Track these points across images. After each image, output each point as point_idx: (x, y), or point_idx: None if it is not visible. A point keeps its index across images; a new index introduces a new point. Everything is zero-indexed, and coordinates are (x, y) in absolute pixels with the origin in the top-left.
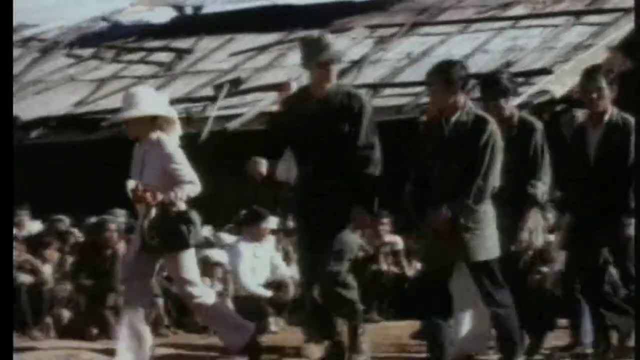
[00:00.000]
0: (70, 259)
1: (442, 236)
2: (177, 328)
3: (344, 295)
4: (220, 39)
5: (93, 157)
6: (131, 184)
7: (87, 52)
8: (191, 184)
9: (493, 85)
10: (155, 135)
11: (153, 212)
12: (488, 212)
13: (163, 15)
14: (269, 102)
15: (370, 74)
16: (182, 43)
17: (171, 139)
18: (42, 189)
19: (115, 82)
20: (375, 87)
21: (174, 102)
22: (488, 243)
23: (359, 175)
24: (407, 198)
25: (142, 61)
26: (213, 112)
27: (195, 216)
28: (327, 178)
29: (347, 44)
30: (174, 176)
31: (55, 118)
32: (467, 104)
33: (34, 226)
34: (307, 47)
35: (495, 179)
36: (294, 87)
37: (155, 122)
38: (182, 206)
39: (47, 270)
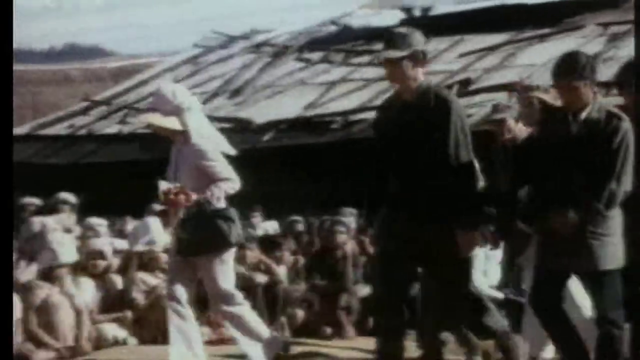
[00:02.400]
0: (303, 260)
1: (562, 242)
2: None
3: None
4: (449, 39)
5: (323, 159)
6: (163, 185)
7: (317, 55)
8: (229, 181)
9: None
10: (186, 135)
11: (182, 212)
12: (617, 217)
13: (391, 17)
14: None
15: (603, 73)
16: None
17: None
18: (275, 191)
19: (345, 85)
20: (608, 86)
21: None
22: (615, 251)
23: (453, 190)
24: (509, 200)
25: (370, 64)
26: None
27: (234, 213)
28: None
29: (578, 42)
30: (209, 174)
31: (286, 121)
32: (597, 99)
33: (270, 226)
34: (386, 42)
35: (628, 183)
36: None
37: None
38: (220, 204)
39: (281, 271)
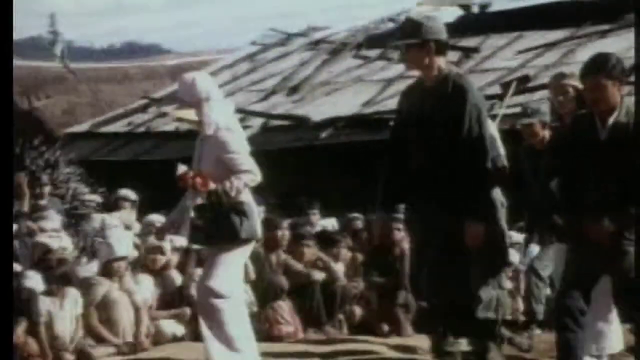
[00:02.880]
0: (360, 257)
1: (596, 251)
2: None
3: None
4: (507, 36)
5: (380, 156)
6: (180, 168)
7: (375, 53)
8: (249, 174)
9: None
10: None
11: (198, 199)
12: None
13: (449, 14)
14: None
15: None
16: (469, 42)
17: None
18: (333, 188)
19: (402, 82)
20: None
21: None
22: None
23: (465, 178)
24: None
25: None
26: (501, 110)
27: (250, 209)
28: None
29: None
30: (230, 165)
31: (344, 118)
32: (624, 102)
33: (328, 223)
34: (401, 30)
35: None
36: None
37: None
38: (239, 197)
39: (339, 268)
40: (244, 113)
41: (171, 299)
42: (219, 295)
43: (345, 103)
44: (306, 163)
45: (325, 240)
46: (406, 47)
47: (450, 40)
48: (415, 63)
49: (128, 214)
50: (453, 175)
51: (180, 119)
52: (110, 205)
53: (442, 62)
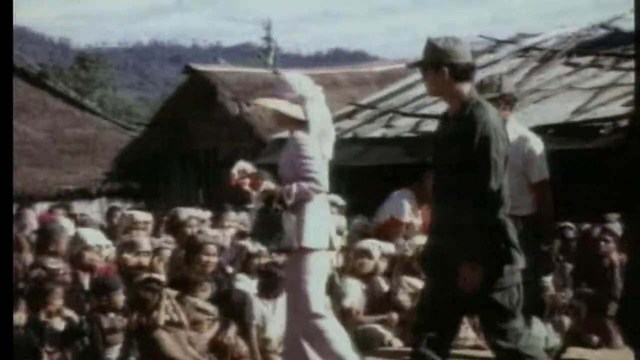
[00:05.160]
0: (570, 267)
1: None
2: None
3: None
4: None
5: (591, 164)
6: (238, 165)
7: (586, 60)
8: (312, 182)
9: None
10: (295, 127)
11: (258, 202)
12: None
13: None
14: None
15: None
16: None
17: (307, 133)
18: None
19: (614, 90)
20: None
21: None
22: None
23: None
24: None
25: None
26: None
27: (285, 220)
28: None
29: None
30: (298, 170)
31: (553, 126)
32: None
33: None
34: (425, 53)
35: None
36: None
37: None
38: (301, 205)
39: (546, 277)
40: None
41: (379, 305)
42: (315, 316)
43: (555, 111)
44: None
45: None
46: (423, 71)
47: None
48: (431, 88)
49: (337, 219)
50: (463, 212)
51: (280, 115)
52: None
53: (463, 88)
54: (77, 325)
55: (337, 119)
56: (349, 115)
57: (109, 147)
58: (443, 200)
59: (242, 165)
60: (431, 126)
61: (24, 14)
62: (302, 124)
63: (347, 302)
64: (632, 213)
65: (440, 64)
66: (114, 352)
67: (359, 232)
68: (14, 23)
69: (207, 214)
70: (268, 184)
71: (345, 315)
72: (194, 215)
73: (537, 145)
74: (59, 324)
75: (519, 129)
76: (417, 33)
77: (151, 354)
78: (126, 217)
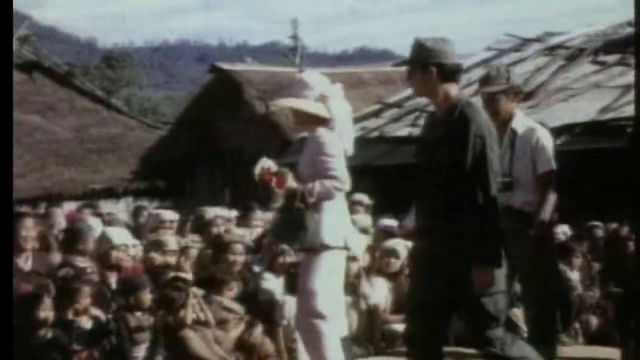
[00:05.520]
0: (597, 266)
1: None
2: None
3: None
4: None
5: (617, 163)
6: (263, 162)
7: (613, 58)
8: (335, 180)
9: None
10: (315, 126)
11: (280, 200)
12: None
13: None
14: None
15: None
16: None
17: (329, 131)
18: (571, 194)
19: None
20: None
21: None
22: None
23: (471, 218)
24: None
25: None
26: None
27: (308, 219)
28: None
29: None
30: (320, 168)
31: (580, 125)
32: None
33: (560, 230)
34: (413, 52)
35: None
36: None
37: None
38: (320, 203)
39: (575, 276)
40: None
41: (405, 303)
42: (317, 315)
43: (582, 109)
44: None
45: (561, 249)
46: (409, 71)
47: None
48: (418, 88)
49: (363, 218)
50: (458, 214)
51: (303, 114)
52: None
53: (450, 89)
54: (104, 324)
55: (363, 118)
56: (376, 114)
57: (135, 146)
58: (432, 202)
59: (266, 163)
60: None
61: (51, 14)
62: (323, 122)
63: (373, 301)
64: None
65: (428, 64)
66: (141, 350)
67: (385, 232)
68: (42, 23)
69: (233, 213)
70: (291, 182)
71: (371, 314)
72: (220, 215)
73: (545, 136)
74: (87, 323)
75: (526, 122)
76: (443, 32)
77: (178, 352)
78: (153, 216)
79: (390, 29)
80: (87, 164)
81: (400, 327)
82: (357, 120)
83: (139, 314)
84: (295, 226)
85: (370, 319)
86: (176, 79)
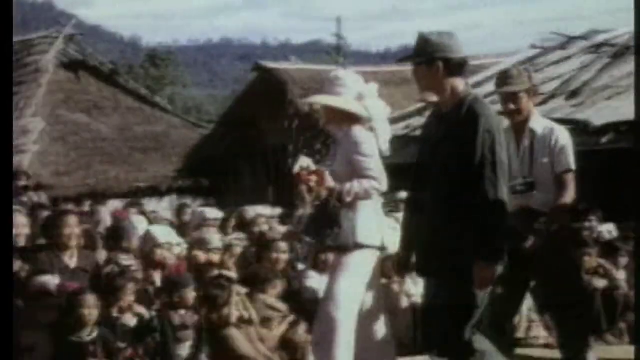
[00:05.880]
0: None
1: None
2: None
3: None
4: None
5: None
6: (302, 160)
7: None
8: (373, 181)
9: None
10: (348, 124)
11: (309, 198)
12: None
13: None
14: None
15: None
16: None
17: (364, 130)
18: (613, 193)
19: None
20: None
21: None
22: None
23: (477, 214)
24: None
25: None
26: None
27: (344, 218)
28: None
29: None
30: (357, 168)
31: (626, 123)
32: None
33: (605, 229)
34: (417, 47)
35: None
36: None
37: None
38: (356, 203)
39: (621, 275)
40: None
41: None
42: (336, 314)
43: (627, 107)
44: (586, 168)
45: (606, 248)
46: (415, 66)
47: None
48: (424, 84)
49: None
50: (464, 210)
51: (325, 111)
52: (390, 207)
53: (457, 84)
54: (148, 322)
55: (407, 116)
56: (419, 112)
57: (179, 144)
58: (435, 201)
59: (304, 162)
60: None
61: (96, 13)
62: (356, 121)
63: (416, 299)
64: None
65: (434, 59)
66: (185, 349)
67: None
68: (87, 22)
69: (276, 211)
70: (329, 181)
71: (415, 312)
72: (261, 214)
73: (564, 136)
74: (131, 321)
75: (544, 122)
76: (487, 29)
77: (222, 351)
78: (196, 214)
79: (434, 27)
80: (132, 162)
81: None
82: (401, 118)
83: (182, 312)
84: (328, 223)
85: (415, 316)
86: (220, 77)
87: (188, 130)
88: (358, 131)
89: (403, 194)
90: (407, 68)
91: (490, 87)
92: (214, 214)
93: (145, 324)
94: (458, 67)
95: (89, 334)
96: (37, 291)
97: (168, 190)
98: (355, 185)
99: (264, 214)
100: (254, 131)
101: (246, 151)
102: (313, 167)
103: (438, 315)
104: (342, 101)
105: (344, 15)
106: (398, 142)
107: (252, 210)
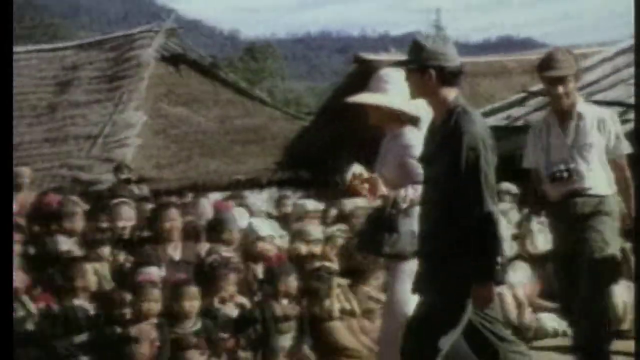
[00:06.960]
0: None
1: None
2: None
3: None
4: None
5: None
6: (355, 168)
7: None
8: None
9: None
10: (397, 125)
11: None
12: None
13: None
14: None
15: None
16: None
17: (416, 132)
18: None
19: None
20: None
21: None
22: None
23: (471, 233)
24: None
25: None
26: None
27: (402, 224)
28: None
29: None
30: (409, 173)
31: None
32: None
33: None
34: (411, 53)
35: None
36: None
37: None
38: (410, 208)
39: None
40: (624, 106)
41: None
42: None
43: None
44: None
45: None
46: (407, 72)
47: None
48: (415, 91)
49: (509, 208)
50: (453, 225)
51: (371, 109)
52: None
53: (448, 94)
54: (250, 312)
55: (508, 107)
56: (520, 103)
57: (278, 136)
58: (434, 219)
59: (357, 170)
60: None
61: (195, 7)
62: (404, 122)
63: (521, 293)
64: None
65: (427, 66)
66: (287, 340)
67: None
68: (186, 17)
69: (375, 203)
70: (382, 189)
71: (520, 306)
72: (360, 206)
73: (614, 120)
74: (232, 311)
75: (591, 109)
76: (588, 20)
77: (324, 342)
78: (297, 206)
79: (533, 17)
80: (232, 154)
81: (548, 318)
82: (501, 109)
83: (285, 302)
84: (387, 231)
85: (519, 310)
86: (318, 69)
87: (287, 122)
88: (407, 132)
89: (506, 185)
90: (507, 58)
91: (594, 75)
92: (314, 205)
93: (247, 314)
94: (451, 75)
95: (192, 326)
96: (142, 282)
97: (268, 183)
98: (410, 192)
99: (363, 206)
100: (354, 122)
101: (346, 143)
102: (366, 174)
103: (420, 325)
104: (388, 100)
105: (443, 6)
106: (500, 132)
107: (351, 203)
